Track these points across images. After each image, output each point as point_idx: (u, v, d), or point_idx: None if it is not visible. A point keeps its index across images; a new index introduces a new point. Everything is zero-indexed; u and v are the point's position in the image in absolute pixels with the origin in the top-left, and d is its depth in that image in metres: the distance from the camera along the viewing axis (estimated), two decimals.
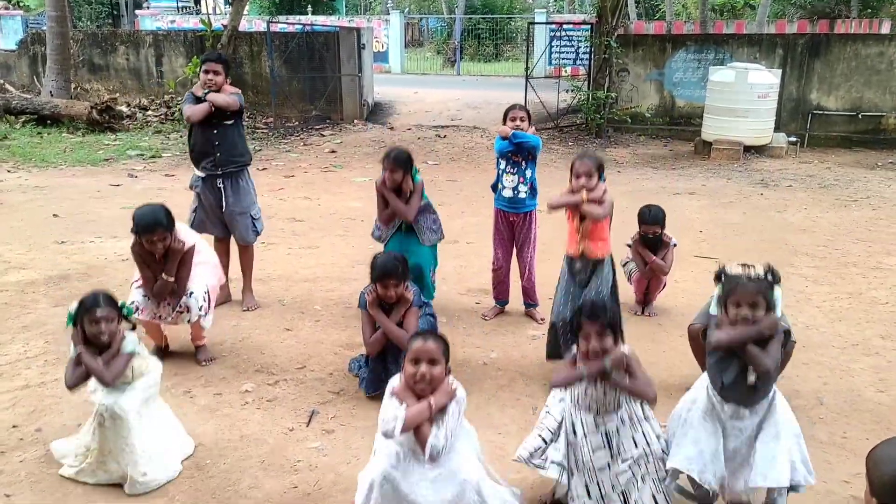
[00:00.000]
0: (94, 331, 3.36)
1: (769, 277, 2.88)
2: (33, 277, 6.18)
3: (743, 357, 2.87)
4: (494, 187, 5.38)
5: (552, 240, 6.11)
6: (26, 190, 9.66)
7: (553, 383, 3.07)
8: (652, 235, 5.45)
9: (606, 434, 3.00)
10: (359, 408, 4.14)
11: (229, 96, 5.30)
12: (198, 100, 5.29)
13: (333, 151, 13.11)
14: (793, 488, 2.94)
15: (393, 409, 2.79)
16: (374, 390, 4.18)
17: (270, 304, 5.71)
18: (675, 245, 5.56)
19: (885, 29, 22.46)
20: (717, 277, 3.00)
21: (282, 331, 5.22)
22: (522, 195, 5.23)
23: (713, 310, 3.07)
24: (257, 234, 5.73)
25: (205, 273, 4.66)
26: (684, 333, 5.09)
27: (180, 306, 4.44)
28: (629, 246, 5.61)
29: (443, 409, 2.82)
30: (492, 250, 5.51)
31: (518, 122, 5.16)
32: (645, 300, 5.67)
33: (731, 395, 2.94)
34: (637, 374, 2.94)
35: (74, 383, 3.37)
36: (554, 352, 4.48)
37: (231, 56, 15.49)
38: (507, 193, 5.25)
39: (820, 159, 12.61)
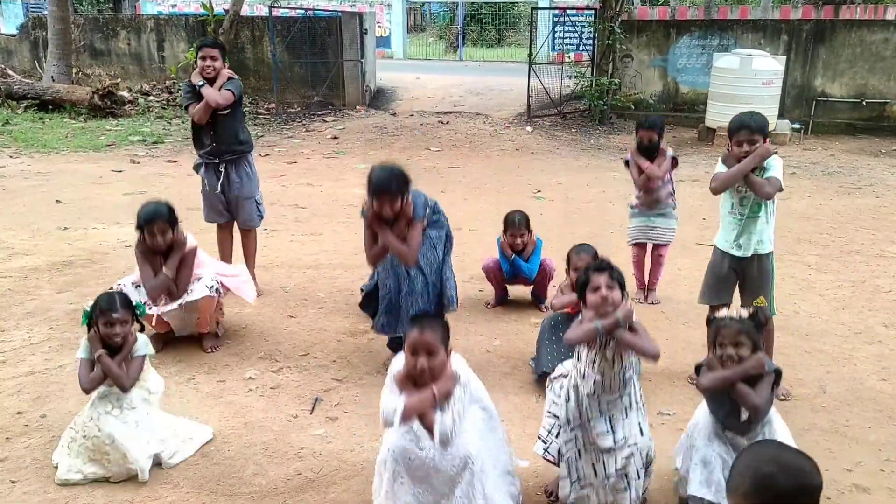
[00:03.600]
0: (109, 332, 3.37)
1: (753, 318, 2.98)
2: (37, 263, 6.19)
3: (733, 397, 2.96)
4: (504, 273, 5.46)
5: (553, 236, 6.10)
6: (28, 176, 9.65)
7: (567, 339, 3.03)
8: (648, 142, 5.42)
9: (610, 420, 3.01)
10: (362, 395, 4.15)
11: (224, 91, 5.24)
12: (195, 90, 5.25)
13: (336, 137, 13.08)
14: None
15: (392, 400, 2.77)
16: (392, 330, 4.18)
17: (274, 292, 5.71)
18: (673, 156, 5.49)
19: (891, 15, 22.27)
20: (708, 322, 3.12)
21: (285, 318, 5.23)
22: (526, 272, 5.36)
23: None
24: (261, 218, 5.74)
25: (211, 267, 4.69)
26: (687, 322, 5.12)
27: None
28: (626, 163, 5.59)
29: (448, 394, 2.80)
30: (494, 236, 5.55)
31: (518, 240, 5.27)
32: (646, 286, 5.67)
33: (729, 425, 3.04)
34: (641, 331, 2.96)
35: (92, 386, 3.37)
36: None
37: (233, 41, 15.45)
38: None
39: (824, 146, 12.57)
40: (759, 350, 2.96)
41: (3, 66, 16.47)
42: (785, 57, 13.10)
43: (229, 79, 5.34)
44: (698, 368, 3.12)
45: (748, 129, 3.87)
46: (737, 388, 2.92)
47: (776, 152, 3.99)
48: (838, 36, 13.59)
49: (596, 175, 10.35)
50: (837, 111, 13.72)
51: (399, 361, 2.89)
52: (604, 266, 3.00)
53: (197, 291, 4.47)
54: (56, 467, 3.38)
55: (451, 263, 4.48)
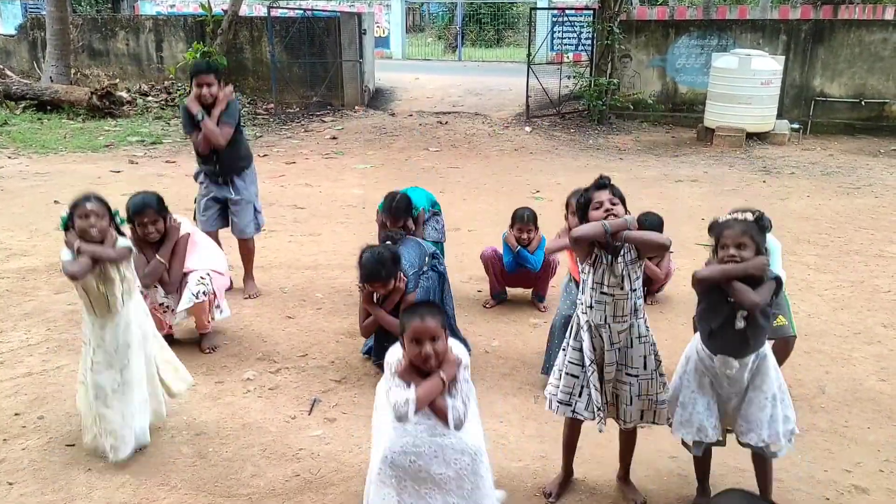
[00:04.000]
0: (84, 225, 3.27)
1: (757, 220, 2.89)
2: (34, 264, 6.18)
3: (730, 294, 2.84)
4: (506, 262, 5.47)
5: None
6: (27, 176, 9.64)
7: (575, 235, 2.98)
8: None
9: (620, 350, 3.05)
10: (361, 396, 4.14)
11: (224, 128, 5.21)
12: (192, 118, 5.20)
13: (334, 138, 13.07)
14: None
15: (402, 393, 2.70)
16: (379, 358, 4.22)
17: (272, 292, 5.71)
18: (671, 252, 5.50)
19: (889, 15, 22.23)
20: (710, 228, 3.01)
21: (283, 319, 5.22)
22: (531, 262, 5.37)
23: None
24: (258, 228, 5.71)
25: (204, 258, 4.65)
26: (686, 321, 5.10)
27: (166, 307, 4.50)
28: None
29: (454, 379, 2.78)
30: (492, 235, 5.56)
31: (525, 235, 5.30)
32: (646, 291, 5.66)
33: (720, 344, 2.94)
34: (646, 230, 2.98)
35: (80, 269, 3.23)
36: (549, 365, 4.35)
37: (231, 41, 15.44)
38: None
39: (823, 146, 12.57)
40: (761, 254, 2.86)
41: (1, 66, 16.45)
42: (784, 57, 13.10)
43: (227, 106, 5.27)
44: (696, 325, 3.07)
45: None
46: (734, 285, 2.81)
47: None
48: (837, 36, 13.60)
49: (595, 175, 10.27)
50: (836, 111, 13.72)
51: (395, 353, 2.83)
52: (604, 183, 3.00)
53: (184, 301, 4.46)
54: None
55: (451, 301, 4.65)
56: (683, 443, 3.15)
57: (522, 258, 5.31)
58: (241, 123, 5.58)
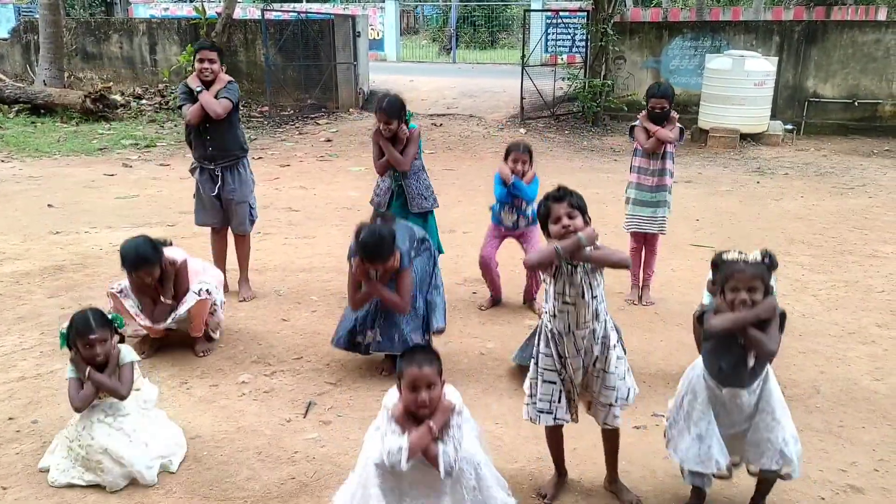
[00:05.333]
0: (90, 354, 3.31)
1: (766, 261, 2.88)
2: (28, 268, 6.16)
3: (744, 341, 2.86)
4: (492, 209, 5.40)
5: None
6: (20, 180, 9.61)
7: (526, 262, 3.08)
8: (660, 110, 5.44)
9: (587, 353, 3.05)
10: (356, 399, 4.13)
11: (222, 100, 5.21)
12: (192, 93, 5.23)
13: (329, 140, 13.06)
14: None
15: (396, 440, 2.75)
16: (344, 345, 4.38)
17: (267, 295, 5.69)
18: (681, 127, 5.52)
19: (882, 16, 22.43)
20: (714, 264, 3.00)
21: (278, 321, 5.21)
22: (522, 224, 5.30)
23: (706, 299, 3.07)
24: (252, 223, 5.71)
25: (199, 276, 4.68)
26: (681, 322, 5.11)
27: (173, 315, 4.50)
28: (631, 130, 5.63)
29: (446, 425, 2.81)
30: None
31: (520, 166, 5.16)
32: (640, 284, 5.66)
33: (730, 379, 2.95)
34: (605, 248, 2.96)
35: (84, 404, 3.33)
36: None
37: (225, 44, 15.40)
38: (507, 223, 5.34)
39: (816, 147, 12.60)
40: (769, 294, 2.86)
41: None
42: (777, 58, 13.14)
43: (227, 84, 5.30)
44: (700, 318, 3.03)
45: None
46: (749, 332, 2.81)
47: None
48: (830, 37, 13.64)
49: (590, 176, 10.35)
50: (829, 112, 13.76)
51: (392, 396, 2.88)
52: (562, 195, 2.96)
53: (188, 301, 4.47)
54: (46, 471, 3.37)
55: (441, 283, 4.65)
56: (684, 473, 3.12)
57: (517, 188, 5.13)
58: (239, 113, 5.58)
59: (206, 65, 5.21)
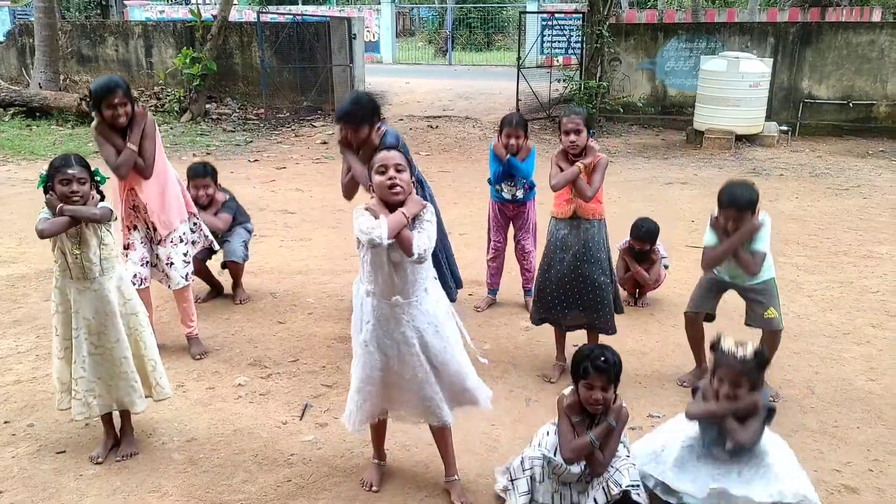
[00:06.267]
0: (66, 191, 3.22)
1: (757, 359, 2.93)
2: (24, 272, 6.16)
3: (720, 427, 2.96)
4: (491, 182, 5.32)
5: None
6: (15, 183, 9.60)
7: (564, 457, 2.94)
8: (639, 249, 5.48)
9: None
10: None
11: (222, 215, 5.46)
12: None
13: (325, 142, 13.07)
14: None
15: (371, 221, 2.77)
16: None
17: (263, 297, 5.70)
18: (666, 267, 5.60)
19: (877, 17, 22.49)
20: (712, 347, 3.05)
21: (274, 324, 5.21)
22: (521, 195, 5.25)
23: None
24: (245, 257, 5.58)
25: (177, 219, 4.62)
26: (676, 323, 5.12)
27: (161, 271, 4.53)
28: (619, 249, 5.56)
29: (417, 217, 2.89)
30: (486, 240, 5.54)
31: (514, 141, 5.00)
32: (636, 294, 5.68)
33: (714, 452, 3.02)
34: (612, 447, 2.93)
35: (51, 228, 3.20)
36: (539, 318, 4.47)
37: (221, 46, 15.41)
38: (506, 195, 5.27)
39: (811, 148, 12.63)
40: (756, 389, 2.92)
41: None
42: (772, 59, 13.16)
43: (223, 204, 5.49)
44: (695, 391, 3.10)
45: (736, 207, 3.91)
46: (725, 424, 2.91)
47: (762, 225, 4.06)
48: (825, 38, 13.68)
49: None
50: (824, 113, 13.80)
51: (360, 208, 2.91)
52: (605, 367, 2.88)
53: (173, 278, 4.51)
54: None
55: (450, 245, 4.66)
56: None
57: (513, 167, 5.02)
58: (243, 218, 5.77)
59: (201, 192, 5.39)
